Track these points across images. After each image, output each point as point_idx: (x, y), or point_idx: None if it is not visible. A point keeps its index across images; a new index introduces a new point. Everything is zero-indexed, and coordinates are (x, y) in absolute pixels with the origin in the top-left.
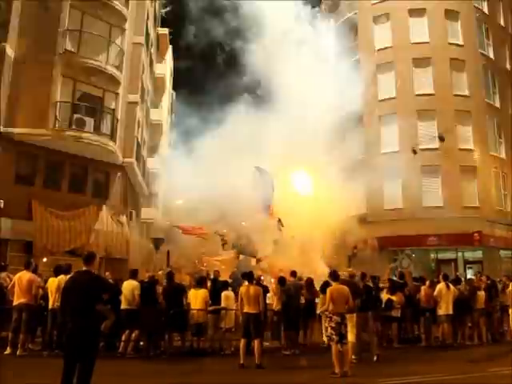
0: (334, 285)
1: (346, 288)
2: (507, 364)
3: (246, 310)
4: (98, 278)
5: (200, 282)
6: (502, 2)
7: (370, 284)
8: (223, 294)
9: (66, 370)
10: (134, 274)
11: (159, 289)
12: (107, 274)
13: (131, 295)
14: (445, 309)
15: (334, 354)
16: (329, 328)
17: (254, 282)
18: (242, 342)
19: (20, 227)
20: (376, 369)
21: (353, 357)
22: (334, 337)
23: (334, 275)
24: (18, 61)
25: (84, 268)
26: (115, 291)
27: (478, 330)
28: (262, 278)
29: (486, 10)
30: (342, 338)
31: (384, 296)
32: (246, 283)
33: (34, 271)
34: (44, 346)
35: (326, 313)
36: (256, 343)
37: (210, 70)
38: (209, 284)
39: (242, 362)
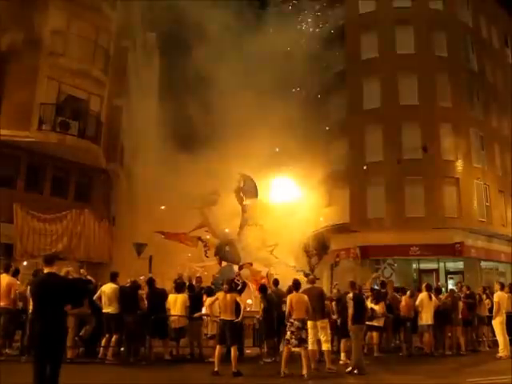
0: (294, 293)
1: (305, 296)
2: (486, 374)
3: (222, 316)
4: (65, 280)
5: (179, 288)
6: (486, 16)
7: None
8: (208, 299)
9: (38, 372)
10: (114, 277)
11: (142, 294)
12: (82, 271)
13: (111, 299)
14: (426, 319)
15: (285, 356)
16: (288, 332)
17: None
18: (218, 349)
19: (1, 230)
20: (355, 377)
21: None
22: (292, 340)
23: (295, 285)
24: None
25: (46, 270)
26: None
27: (458, 340)
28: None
29: (470, 23)
30: (301, 341)
31: (367, 305)
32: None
33: (14, 275)
34: (22, 350)
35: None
36: (232, 350)
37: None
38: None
39: (216, 369)
